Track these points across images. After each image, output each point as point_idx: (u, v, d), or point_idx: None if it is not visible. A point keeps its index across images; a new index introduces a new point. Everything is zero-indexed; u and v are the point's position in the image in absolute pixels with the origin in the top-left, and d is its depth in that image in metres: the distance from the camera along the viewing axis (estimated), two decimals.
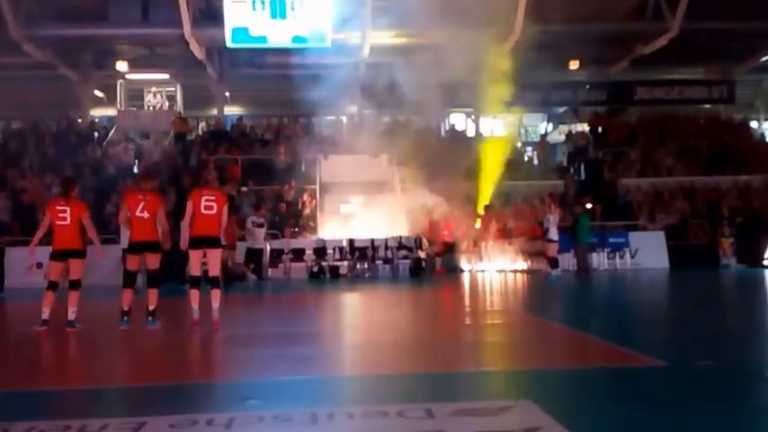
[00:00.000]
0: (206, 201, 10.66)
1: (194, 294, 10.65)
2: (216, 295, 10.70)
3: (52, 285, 10.87)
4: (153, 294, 10.88)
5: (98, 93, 35.19)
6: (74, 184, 11.53)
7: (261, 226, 21.65)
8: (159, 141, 31.30)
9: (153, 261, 10.95)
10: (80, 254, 11.05)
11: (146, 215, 10.74)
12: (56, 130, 31.36)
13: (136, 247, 10.90)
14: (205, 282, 10.86)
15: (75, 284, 10.94)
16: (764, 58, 33.52)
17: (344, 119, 34.93)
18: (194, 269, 10.80)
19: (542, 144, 34.61)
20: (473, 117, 36.05)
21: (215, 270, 10.90)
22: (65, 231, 10.88)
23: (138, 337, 10.38)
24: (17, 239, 22.39)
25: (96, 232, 11.37)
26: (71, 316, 10.76)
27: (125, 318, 10.70)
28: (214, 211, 10.69)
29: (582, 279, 20.62)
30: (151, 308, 10.82)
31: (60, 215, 10.87)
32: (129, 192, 11.33)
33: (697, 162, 29.35)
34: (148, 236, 10.82)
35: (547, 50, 29.67)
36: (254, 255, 21.67)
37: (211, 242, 10.77)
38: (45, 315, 10.61)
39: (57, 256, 10.98)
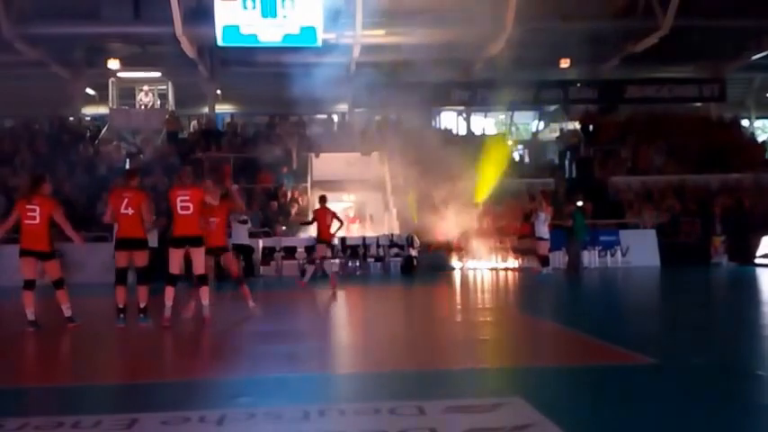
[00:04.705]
0: (181, 201, 10.71)
1: (170, 292, 10.70)
2: (205, 293, 10.78)
3: (28, 285, 10.63)
4: (143, 291, 10.94)
5: (90, 91, 35.11)
6: (42, 181, 11.09)
7: (244, 222, 21.41)
8: (151, 140, 31.27)
9: (140, 259, 10.94)
10: (50, 255, 10.88)
11: (130, 212, 10.70)
12: (48, 129, 31.33)
13: (122, 244, 10.90)
14: (192, 280, 10.94)
15: (57, 284, 10.84)
16: (755, 57, 33.56)
17: (335, 117, 34.97)
18: (174, 267, 10.87)
19: (533, 142, 34.69)
20: (464, 116, 36.05)
21: (200, 268, 10.98)
22: (33, 230, 10.66)
23: (130, 334, 10.39)
24: (10, 237, 22.33)
25: (69, 225, 11.13)
26: (67, 312, 10.75)
27: (121, 315, 10.70)
28: (190, 211, 10.74)
29: (573, 277, 20.66)
30: (142, 305, 10.89)
31: (29, 213, 10.65)
32: (114, 190, 11.25)
33: (687, 160, 29.41)
34: (133, 233, 10.79)
35: (538, 49, 29.75)
36: (241, 251, 21.40)
37: (193, 241, 10.83)
38: (30, 316, 10.48)
39: (25, 253, 10.73)
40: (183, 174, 11.70)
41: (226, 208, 12.01)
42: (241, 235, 21.13)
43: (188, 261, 11.14)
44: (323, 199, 17.65)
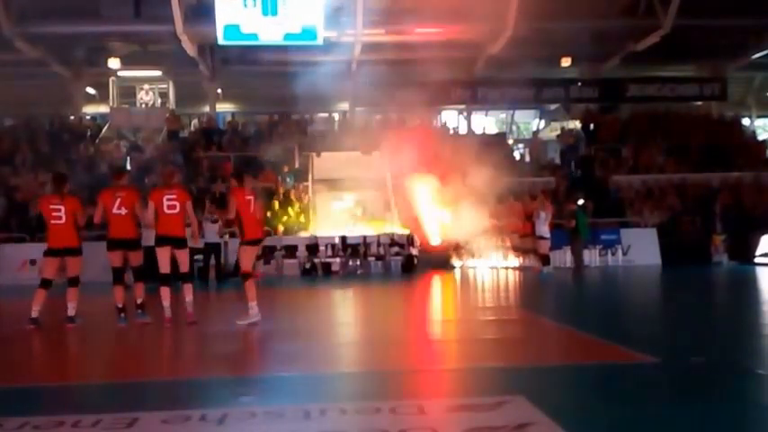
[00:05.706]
0: (168, 200, 10.72)
1: (165, 291, 10.74)
2: (188, 290, 10.83)
3: (45, 283, 10.80)
4: (139, 288, 11.04)
5: (90, 90, 35.08)
6: (65, 180, 11.47)
7: (215, 222, 21.16)
8: (152, 139, 31.27)
9: (135, 258, 11.05)
10: (77, 251, 10.99)
11: (123, 211, 10.78)
12: (49, 128, 31.33)
13: (115, 244, 10.92)
14: (177, 278, 10.96)
15: (74, 281, 10.94)
16: (756, 56, 33.51)
17: (336, 116, 34.95)
18: (163, 267, 10.87)
19: (534, 141, 34.67)
20: (465, 114, 36.03)
21: (184, 267, 11.07)
22: (60, 229, 10.80)
23: (131, 333, 10.40)
24: (11, 236, 22.41)
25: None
26: (71, 312, 10.80)
27: (122, 315, 10.77)
28: (177, 210, 10.76)
29: (574, 276, 20.65)
30: (139, 301, 10.99)
31: (55, 213, 10.80)
32: (105, 190, 11.24)
33: (688, 159, 29.40)
34: (126, 233, 10.87)
35: (539, 47, 29.74)
36: (210, 250, 21.21)
37: (177, 242, 10.87)
38: (35, 313, 10.55)
39: (53, 253, 10.89)
40: (168, 174, 11.75)
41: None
42: (211, 234, 21.00)
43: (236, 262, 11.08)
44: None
